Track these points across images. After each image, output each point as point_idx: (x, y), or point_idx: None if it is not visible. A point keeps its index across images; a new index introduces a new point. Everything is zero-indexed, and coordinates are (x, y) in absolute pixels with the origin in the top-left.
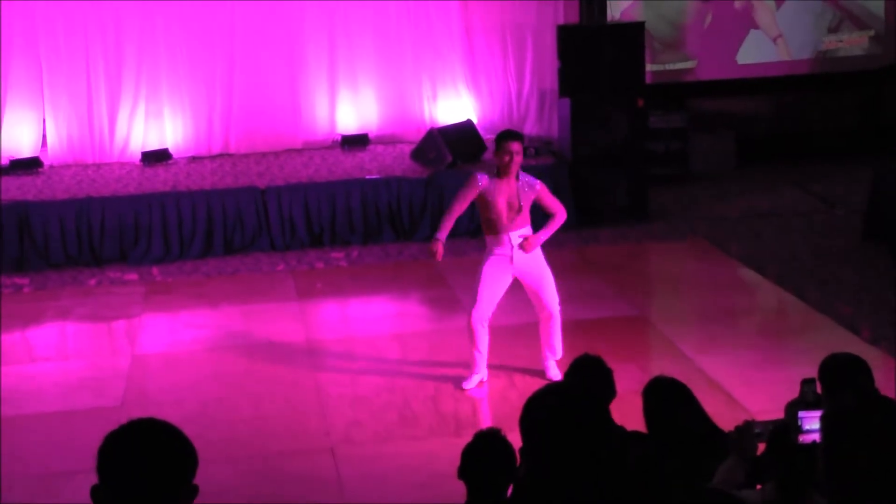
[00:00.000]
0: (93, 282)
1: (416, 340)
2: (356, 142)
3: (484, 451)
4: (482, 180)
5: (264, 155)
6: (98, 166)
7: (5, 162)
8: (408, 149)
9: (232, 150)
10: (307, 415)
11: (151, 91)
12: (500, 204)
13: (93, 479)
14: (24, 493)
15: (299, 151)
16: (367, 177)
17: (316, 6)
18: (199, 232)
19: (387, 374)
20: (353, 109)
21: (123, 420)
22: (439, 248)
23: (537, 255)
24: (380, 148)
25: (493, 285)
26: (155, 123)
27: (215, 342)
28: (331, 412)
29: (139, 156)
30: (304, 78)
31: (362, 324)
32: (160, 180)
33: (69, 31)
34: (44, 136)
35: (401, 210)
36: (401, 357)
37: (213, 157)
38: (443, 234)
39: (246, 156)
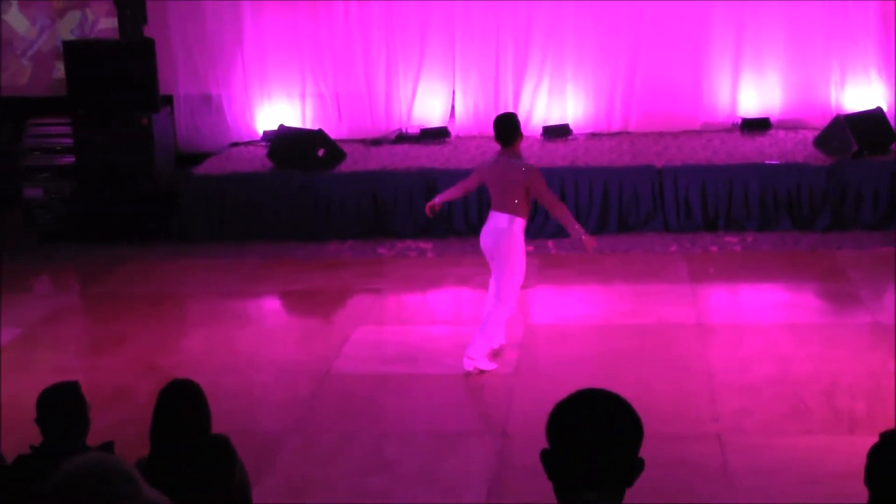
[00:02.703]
0: None
1: (809, 332)
2: (757, 126)
3: (892, 454)
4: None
5: (662, 135)
6: None
7: (416, 130)
8: (811, 135)
9: (631, 128)
10: (695, 399)
11: (556, 69)
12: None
13: (480, 442)
14: (413, 449)
15: (698, 133)
16: (767, 162)
17: None
18: (595, 208)
19: (778, 364)
20: (755, 92)
21: (516, 386)
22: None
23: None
24: (781, 133)
25: None
26: (557, 100)
27: (604, 319)
28: (720, 398)
29: (540, 130)
30: (706, 59)
31: (754, 311)
32: (559, 155)
33: (483, 14)
34: (452, 108)
35: (800, 198)
36: (793, 348)
37: (611, 135)
38: None
39: (644, 134)
